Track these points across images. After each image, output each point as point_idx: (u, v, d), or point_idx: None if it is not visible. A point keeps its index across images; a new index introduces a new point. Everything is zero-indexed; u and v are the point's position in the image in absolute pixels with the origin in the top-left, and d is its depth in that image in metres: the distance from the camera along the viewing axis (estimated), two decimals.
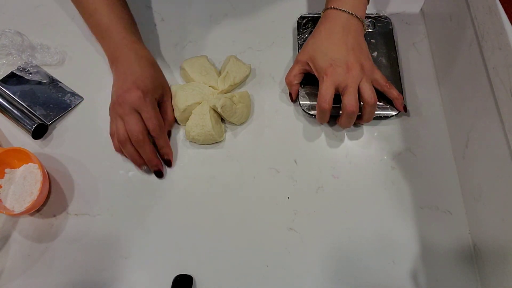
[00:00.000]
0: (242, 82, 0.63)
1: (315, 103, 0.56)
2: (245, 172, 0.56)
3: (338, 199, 0.54)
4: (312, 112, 0.58)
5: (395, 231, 0.52)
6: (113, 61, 0.58)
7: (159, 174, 0.56)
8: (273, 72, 0.64)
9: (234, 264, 0.51)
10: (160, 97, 0.57)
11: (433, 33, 0.65)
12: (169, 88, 0.60)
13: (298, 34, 0.65)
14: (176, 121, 0.60)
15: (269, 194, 0.55)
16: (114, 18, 0.58)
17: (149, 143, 0.54)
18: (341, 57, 0.53)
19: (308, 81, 0.60)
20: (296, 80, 0.59)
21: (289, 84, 0.59)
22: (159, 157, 0.56)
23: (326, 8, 0.57)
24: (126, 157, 0.56)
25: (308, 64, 0.56)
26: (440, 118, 0.59)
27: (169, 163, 0.56)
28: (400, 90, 0.59)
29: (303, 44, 0.61)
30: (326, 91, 0.53)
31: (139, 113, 0.53)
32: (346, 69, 0.52)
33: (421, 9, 0.69)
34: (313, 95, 0.59)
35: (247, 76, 0.62)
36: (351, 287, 0.49)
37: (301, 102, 0.59)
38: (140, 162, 0.55)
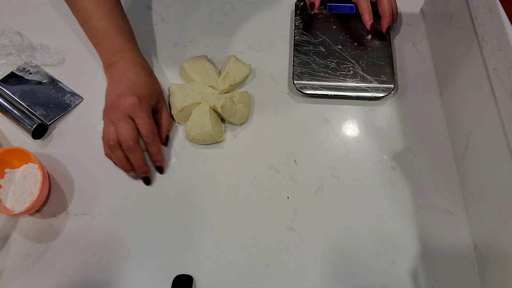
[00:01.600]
0: (242, 82, 0.63)
1: (310, 82, 0.59)
2: (245, 172, 0.56)
3: (338, 199, 0.54)
4: (307, 92, 0.59)
5: (395, 231, 0.52)
6: (108, 67, 0.57)
7: (147, 181, 0.55)
8: (273, 72, 0.64)
9: (234, 264, 0.51)
10: (155, 104, 0.56)
11: (433, 33, 0.65)
12: (164, 96, 0.60)
13: (295, 16, 0.66)
14: (173, 119, 0.60)
15: (269, 194, 0.55)
16: (111, 24, 0.57)
17: (140, 149, 0.54)
18: None
19: (303, 60, 0.61)
20: None
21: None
22: (149, 164, 0.56)
23: None
24: (115, 163, 0.56)
25: None
26: (440, 119, 0.59)
27: (160, 170, 0.56)
28: (392, 73, 0.60)
29: (299, 25, 0.65)
30: None
31: (133, 119, 0.53)
32: None
33: (421, 9, 0.69)
34: (308, 74, 0.61)
35: (247, 76, 0.62)
36: (351, 287, 0.49)
37: (295, 82, 0.60)
38: (128, 168, 0.54)
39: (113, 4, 0.58)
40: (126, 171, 0.55)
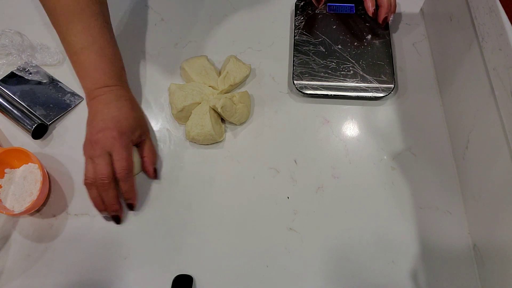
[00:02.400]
0: (242, 82, 0.63)
1: (310, 82, 0.59)
2: (245, 172, 0.56)
3: (338, 199, 0.54)
4: (307, 92, 0.59)
5: (395, 231, 0.52)
6: (90, 100, 0.55)
7: (117, 220, 0.53)
8: (273, 72, 0.64)
9: (234, 264, 0.51)
10: (137, 138, 0.54)
11: (433, 33, 0.65)
12: (148, 129, 0.58)
13: (295, 16, 0.66)
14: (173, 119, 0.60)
15: (269, 194, 0.55)
16: (100, 61, 0.54)
17: (114, 188, 0.51)
18: None
19: (303, 60, 0.61)
20: None
21: None
22: (122, 201, 0.54)
23: None
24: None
25: None
26: (440, 119, 0.59)
27: (131, 207, 0.54)
28: (392, 73, 0.60)
29: (299, 25, 0.65)
30: None
31: (111, 155, 0.51)
32: None
33: (421, 9, 0.69)
34: (308, 74, 0.61)
35: (247, 76, 0.62)
36: (351, 287, 0.49)
37: (295, 82, 0.60)
38: (101, 208, 0.52)
39: (106, 41, 0.55)
40: (99, 210, 0.52)
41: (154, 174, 0.56)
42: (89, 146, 0.52)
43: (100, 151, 0.50)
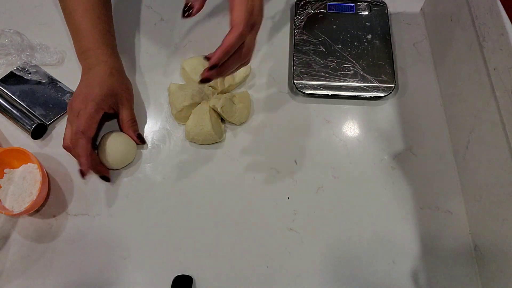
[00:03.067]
0: (242, 82, 0.63)
1: (310, 82, 0.60)
2: (245, 172, 0.56)
3: (338, 199, 0.54)
4: (307, 91, 0.59)
5: (395, 231, 0.52)
6: (81, 66, 0.57)
7: (105, 179, 0.56)
8: (273, 72, 0.64)
9: (234, 264, 0.51)
10: (111, 106, 0.56)
11: (433, 33, 0.65)
12: (128, 98, 0.58)
13: (295, 16, 0.66)
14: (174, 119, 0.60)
15: (269, 194, 0.55)
16: (85, 22, 0.57)
17: (81, 146, 0.52)
18: None
19: (303, 60, 0.62)
20: None
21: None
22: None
23: None
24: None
25: None
26: (440, 119, 0.59)
27: (103, 178, 0.56)
28: (392, 72, 0.60)
29: (299, 25, 0.65)
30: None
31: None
32: None
33: (421, 9, 0.69)
34: (308, 74, 0.61)
35: (247, 76, 0.62)
36: (351, 287, 0.49)
37: (295, 81, 0.60)
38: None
39: (95, 3, 0.58)
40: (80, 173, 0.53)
41: (140, 140, 0.58)
42: (67, 112, 0.54)
43: (70, 117, 0.53)
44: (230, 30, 0.44)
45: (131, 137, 0.57)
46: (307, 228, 0.53)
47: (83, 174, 0.51)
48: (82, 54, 0.57)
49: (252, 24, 0.45)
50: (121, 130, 0.58)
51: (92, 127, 0.53)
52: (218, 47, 0.45)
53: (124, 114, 0.57)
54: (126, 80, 0.59)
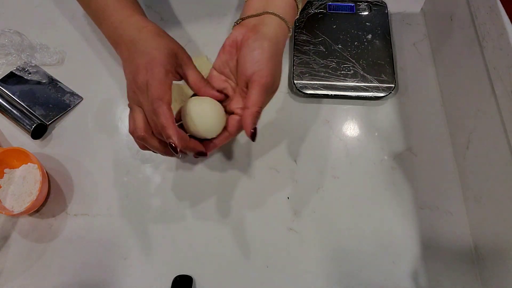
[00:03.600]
0: None
1: (310, 82, 0.59)
2: (245, 172, 0.56)
3: (338, 199, 0.54)
4: (307, 91, 0.59)
5: (395, 231, 0.52)
6: (116, 45, 0.51)
7: (201, 154, 0.47)
8: None
9: (234, 265, 0.51)
10: (177, 67, 0.47)
11: (433, 33, 0.65)
12: (187, 53, 0.49)
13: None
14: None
15: (269, 194, 0.55)
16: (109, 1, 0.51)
17: (151, 136, 0.45)
18: None
19: (303, 60, 0.62)
20: None
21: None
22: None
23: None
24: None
25: None
26: (440, 119, 0.59)
27: (199, 154, 0.47)
28: (392, 72, 0.60)
29: (299, 25, 0.65)
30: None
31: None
32: None
33: (421, 9, 0.69)
34: (308, 73, 0.61)
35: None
36: (351, 287, 0.49)
37: (295, 81, 0.60)
38: (162, 153, 0.47)
39: None
40: (166, 155, 0.48)
41: (220, 94, 0.48)
42: (131, 92, 0.46)
43: (138, 96, 0.45)
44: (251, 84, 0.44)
45: (212, 96, 0.48)
46: (307, 228, 0.53)
47: (175, 148, 0.42)
48: (115, 30, 0.49)
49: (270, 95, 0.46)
50: (199, 94, 0.49)
51: (168, 93, 0.44)
52: (245, 111, 0.44)
53: (193, 75, 0.48)
54: (172, 38, 0.50)
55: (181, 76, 0.49)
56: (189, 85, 0.49)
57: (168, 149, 0.45)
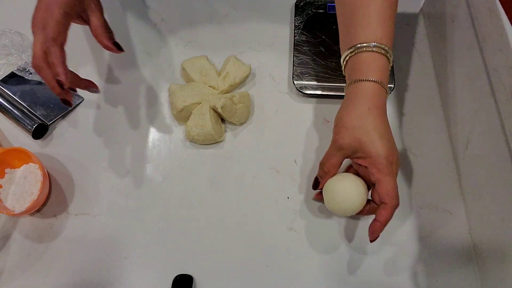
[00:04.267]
0: (242, 82, 0.63)
1: (310, 82, 0.59)
2: (245, 172, 0.57)
3: None
4: (307, 92, 0.59)
5: (395, 231, 0.52)
6: None
7: (65, 102, 0.50)
8: (273, 72, 0.64)
9: (234, 264, 0.51)
10: (80, 12, 0.50)
11: (433, 33, 0.65)
12: (97, 1, 0.52)
13: (295, 16, 0.66)
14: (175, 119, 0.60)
15: (269, 194, 0.55)
16: None
17: (46, 67, 0.47)
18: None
19: (303, 60, 0.62)
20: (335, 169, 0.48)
21: (325, 172, 0.48)
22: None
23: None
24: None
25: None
26: (440, 119, 0.59)
27: (60, 85, 0.48)
28: (392, 71, 0.60)
29: (299, 25, 0.65)
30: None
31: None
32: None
33: (421, 9, 0.69)
34: (308, 74, 0.61)
35: (247, 76, 0.62)
36: (351, 287, 0.49)
37: (295, 82, 0.60)
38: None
39: None
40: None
41: (115, 47, 0.51)
42: (32, 28, 0.48)
43: (35, 31, 0.48)
44: (384, 205, 0.44)
45: (106, 47, 0.51)
46: (307, 228, 0.53)
47: (62, 85, 0.46)
48: None
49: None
50: (97, 41, 0.51)
51: (63, 35, 0.48)
52: (377, 224, 0.44)
53: (95, 21, 0.51)
54: None
55: (85, 21, 0.51)
56: (91, 30, 0.51)
57: (57, 84, 0.48)
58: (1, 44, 0.64)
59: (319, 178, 0.49)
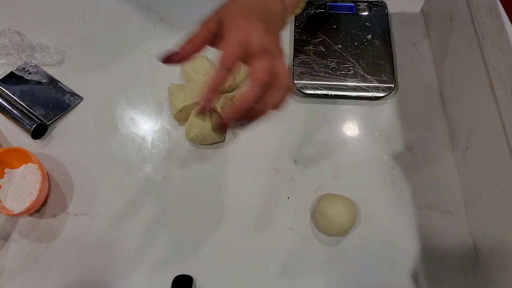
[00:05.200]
0: (242, 82, 0.63)
1: (310, 82, 0.60)
2: (245, 172, 0.56)
3: None
4: (307, 92, 0.60)
5: (395, 231, 0.52)
6: None
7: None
8: None
9: (234, 264, 0.51)
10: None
11: (433, 33, 0.65)
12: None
13: (295, 16, 0.66)
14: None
15: (269, 194, 0.55)
16: None
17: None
18: None
19: (303, 60, 0.62)
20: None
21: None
22: None
23: None
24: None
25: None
26: (440, 118, 0.59)
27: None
28: (392, 72, 0.60)
29: (299, 25, 0.65)
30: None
31: None
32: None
33: (421, 9, 0.69)
34: (308, 74, 0.61)
35: (247, 76, 0.62)
36: (351, 287, 0.49)
37: (295, 81, 0.60)
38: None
39: None
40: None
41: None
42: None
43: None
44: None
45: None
46: (307, 228, 0.53)
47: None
48: None
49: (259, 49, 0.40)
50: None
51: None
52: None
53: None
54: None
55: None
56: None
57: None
58: (1, 44, 0.64)
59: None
